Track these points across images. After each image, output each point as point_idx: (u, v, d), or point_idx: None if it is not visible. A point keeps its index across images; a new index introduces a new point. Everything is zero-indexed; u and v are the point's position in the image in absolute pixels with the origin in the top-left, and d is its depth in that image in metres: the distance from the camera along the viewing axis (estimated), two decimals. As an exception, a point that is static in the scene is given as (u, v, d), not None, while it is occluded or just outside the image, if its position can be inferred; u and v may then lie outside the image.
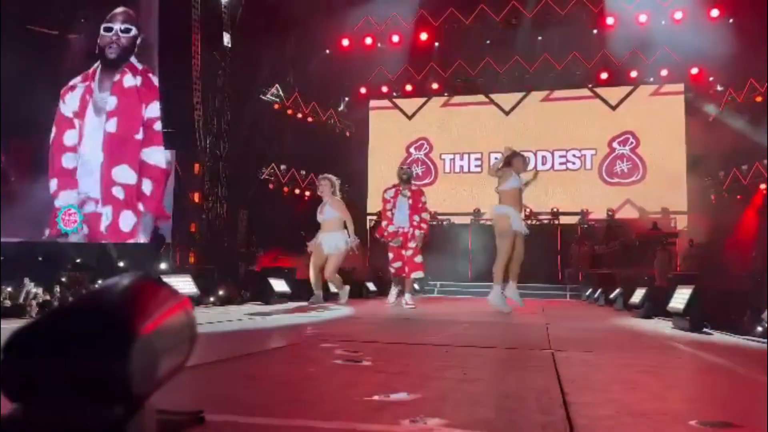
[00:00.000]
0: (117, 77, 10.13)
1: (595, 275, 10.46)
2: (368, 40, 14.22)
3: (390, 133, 15.32)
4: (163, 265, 9.39)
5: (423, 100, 15.29)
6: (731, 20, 12.41)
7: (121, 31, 10.28)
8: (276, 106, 13.41)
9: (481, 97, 14.88)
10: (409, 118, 15.28)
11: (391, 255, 6.31)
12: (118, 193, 9.90)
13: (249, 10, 11.84)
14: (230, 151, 11.02)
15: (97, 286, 0.69)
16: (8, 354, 0.58)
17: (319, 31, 13.97)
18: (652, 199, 13.32)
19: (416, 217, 6.20)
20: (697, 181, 13.40)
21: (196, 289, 4.79)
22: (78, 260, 7.73)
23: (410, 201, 6.21)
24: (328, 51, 14.58)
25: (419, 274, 6.31)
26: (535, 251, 12.37)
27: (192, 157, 10.20)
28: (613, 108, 14.36)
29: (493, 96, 14.83)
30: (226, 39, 11.39)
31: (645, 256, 11.35)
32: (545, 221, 13.79)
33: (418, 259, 6.25)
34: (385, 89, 15.18)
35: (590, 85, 14.31)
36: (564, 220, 13.65)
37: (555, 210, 13.73)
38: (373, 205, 14.84)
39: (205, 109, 10.55)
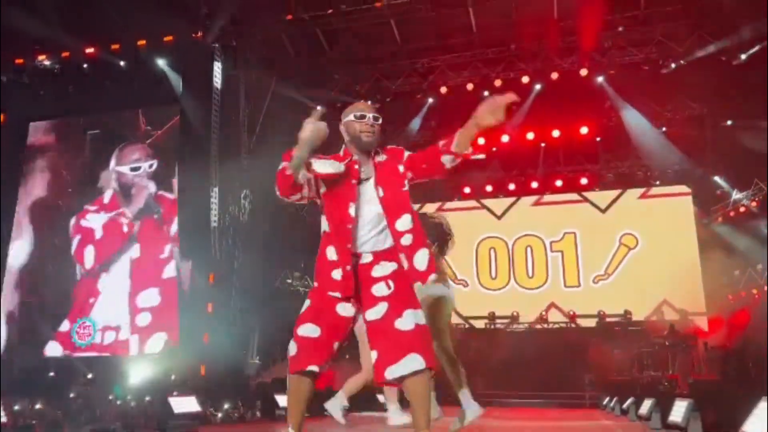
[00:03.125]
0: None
1: (614, 381, 10.18)
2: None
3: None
4: (173, 377, 9.37)
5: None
6: (729, 122, 12.82)
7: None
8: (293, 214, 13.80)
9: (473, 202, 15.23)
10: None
11: (309, 315, 2.70)
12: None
13: (268, 119, 12.52)
14: (245, 260, 11.24)
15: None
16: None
17: (332, 141, 14.63)
18: (669, 300, 13.15)
19: (404, 219, 2.70)
20: (712, 281, 13.26)
21: (200, 408, 4.81)
22: (90, 375, 7.77)
23: (381, 191, 2.74)
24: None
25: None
26: (554, 355, 12.34)
27: (207, 267, 10.42)
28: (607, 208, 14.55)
29: (485, 201, 15.19)
30: (245, 149, 11.97)
31: (665, 360, 11.08)
32: (563, 324, 13.64)
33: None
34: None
35: (597, 189, 14.59)
36: (582, 322, 13.50)
37: (571, 312, 13.61)
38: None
39: (222, 219, 10.90)
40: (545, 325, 13.76)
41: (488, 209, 15.24)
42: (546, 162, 14.51)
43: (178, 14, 11.22)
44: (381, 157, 2.86)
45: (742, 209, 13.26)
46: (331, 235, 2.73)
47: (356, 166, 2.79)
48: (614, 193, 14.53)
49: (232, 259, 10.85)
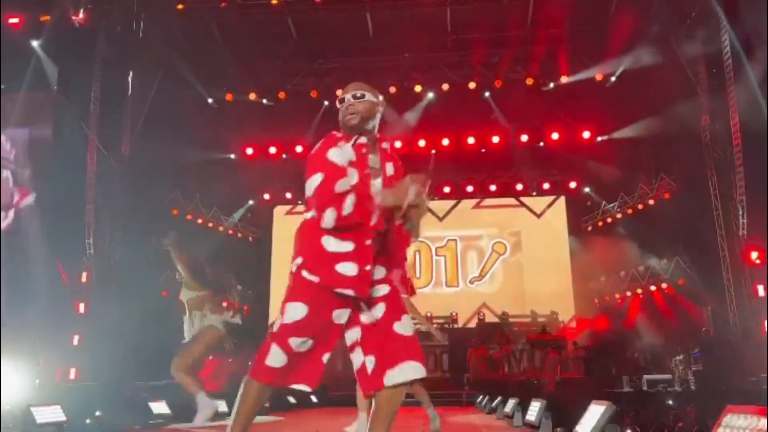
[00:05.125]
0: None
1: (488, 380, 10.72)
2: (272, 149, 14.63)
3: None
4: (37, 381, 8.76)
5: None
6: (599, 139, 13.91)
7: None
8: (174, 212, 13.29)
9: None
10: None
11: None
12: None
13: (150, 116, 11.99)
14: (123, 259, 10.72)
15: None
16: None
17: (223, 138, 14.33)
18: (542, 302, 14.07)
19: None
20: (581, 285, 14.33)
21: (64, 417, 4.56)
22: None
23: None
24: (233, 156, 14.88)
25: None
26: (435, 355, 12.79)
27: (80, 266, 9.83)
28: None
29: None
30: (125, 145, 11.40)
31: (537, 360, 11.82)
32: (444, 325, 14.16)
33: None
34: (289, 195, 15.45)
35: (479, 197, 15.33)
36: (461, 321, 14.18)
37: (454, 314, 14.19)
38: (276, 309, 14.69)
39: (98, 216, 10.33)
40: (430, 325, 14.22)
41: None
42: (436, 169, 14.99)
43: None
44: (385, 145, 2.56)
45: (609, 219, 14.45)
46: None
47: (363, 150, 2.44)
48: (495, 201, 15.33)
49: (109, 257, 10.31)
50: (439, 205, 15.41)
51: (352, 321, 2.39)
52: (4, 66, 10.56)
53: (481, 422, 5.49)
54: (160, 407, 5.49)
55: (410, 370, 2.27)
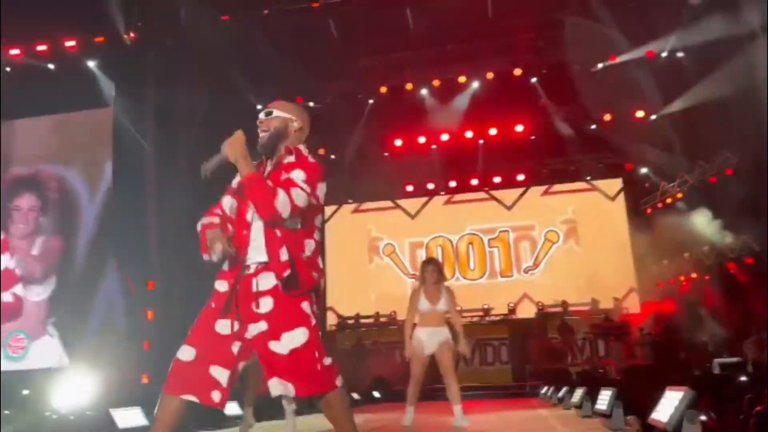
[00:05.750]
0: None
1: (551, 371, 10.57)
2: (320, 152, 14.77)
3: (345, 234, 15.62)
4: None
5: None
6: (653, 117, 13.46)
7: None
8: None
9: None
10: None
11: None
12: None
13: (204, 127, 12.29)
14: (185, 266, 11.05)
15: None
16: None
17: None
18: (603, 289, 13.71)
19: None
20: (643, 270, 13.91)
21: (146, 421, 4.75)
22: (26, 391, 7.46)
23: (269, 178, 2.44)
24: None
25: None
26: (496, 346, 12.70)
27: (146, 275, 10.22)
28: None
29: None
30: (181, 157, 11.74)
31: (601, 348, 11.59)
32: (504, 317, 14.01)
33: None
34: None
35: (532, 185, 15.10)
36: (521, 314, 13.96)
37: (511, 305, 14.02)
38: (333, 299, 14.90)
39: (160, 226, 10.69)
40: (486, 318, 14.11)
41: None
42: (485, 159, 14.86)
43: (108, 14, 10.90)
44: (286, 159, 2.49)
45: (669, 200, 13.97)
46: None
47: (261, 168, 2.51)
48: (563, 187, 15.03)
49: (173, 265, 10.65)
50: (506, 195, 15.28)
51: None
52: (62, 87, 11.08)
53: (549, 414, 5.43)
54: (232, 408, 5.65)
55: (280, 386, 2.30)
